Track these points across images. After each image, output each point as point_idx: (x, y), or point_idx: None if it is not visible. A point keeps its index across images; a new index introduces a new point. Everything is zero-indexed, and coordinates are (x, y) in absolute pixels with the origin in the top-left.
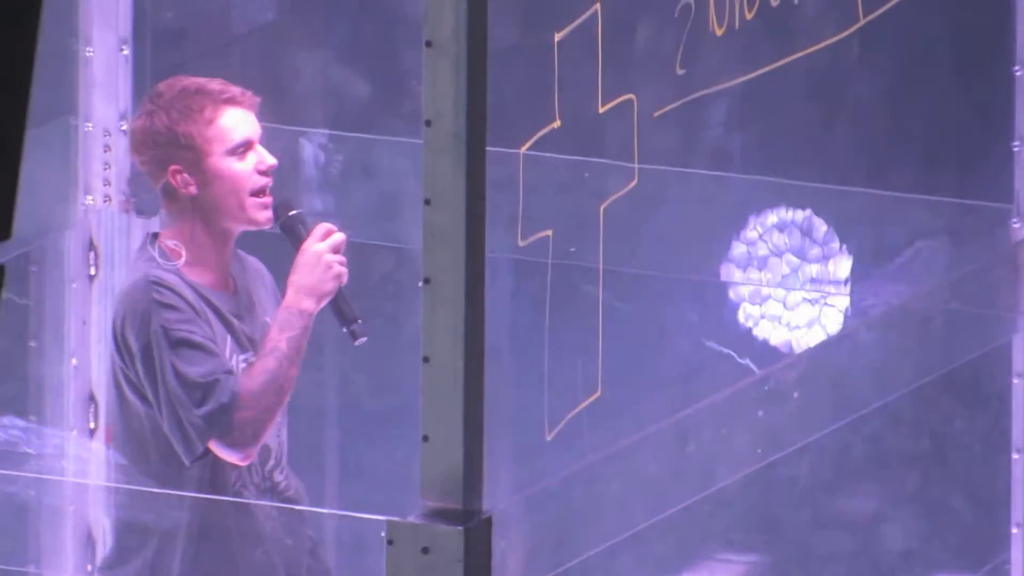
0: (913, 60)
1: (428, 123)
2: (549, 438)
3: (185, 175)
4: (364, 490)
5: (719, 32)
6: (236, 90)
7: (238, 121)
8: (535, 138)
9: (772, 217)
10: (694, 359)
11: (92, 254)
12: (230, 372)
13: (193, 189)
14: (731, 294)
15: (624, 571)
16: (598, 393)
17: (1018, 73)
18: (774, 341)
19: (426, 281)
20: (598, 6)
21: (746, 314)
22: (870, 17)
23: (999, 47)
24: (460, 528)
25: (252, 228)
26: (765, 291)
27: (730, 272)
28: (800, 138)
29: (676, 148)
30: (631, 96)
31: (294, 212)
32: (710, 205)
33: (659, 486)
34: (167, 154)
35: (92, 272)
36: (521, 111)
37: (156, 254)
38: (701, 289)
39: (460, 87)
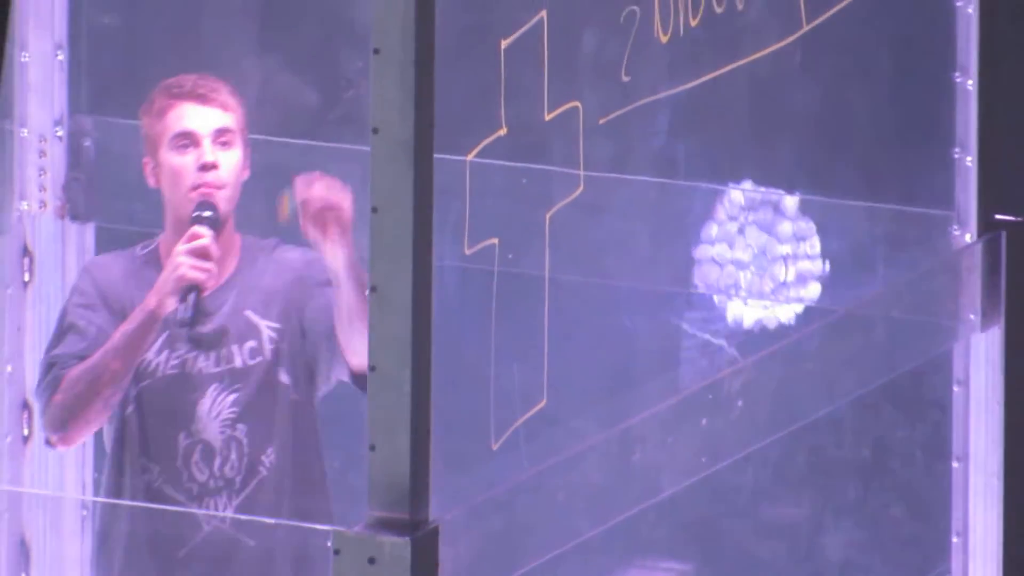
0: (855, 66)
1: (375, 130)
2: (495, 447)
3: (149, 168)
4: (306, 499)
5: (664, 39)
6: (198, 85)
7: (185, 115)
8: (481, 146)
9: (740, 196)
10: (639, 367)
11: (27, 260)
12: (76, 357)
13: (152, 181)
14: (697, 280)
15: None
16: (543, 402)
17: (958, 80)
18: (747, 323)
19: (373, 290)
20: (544, 13)
21: (719, 298)
22: (813, 23)
23: (940, 54)
24: (407, 538)
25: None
26: (735, 272)
27: (703, 252)
28: (743, 145)
29: (621, 155)
30: (576, 103)
31: (196, 213)
32: (654, 212)
33: (604, 495)
34: (143, 147)
35: (27, 278)
36: (467, 118)
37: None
38: (646, 296)
39: (407, 95)
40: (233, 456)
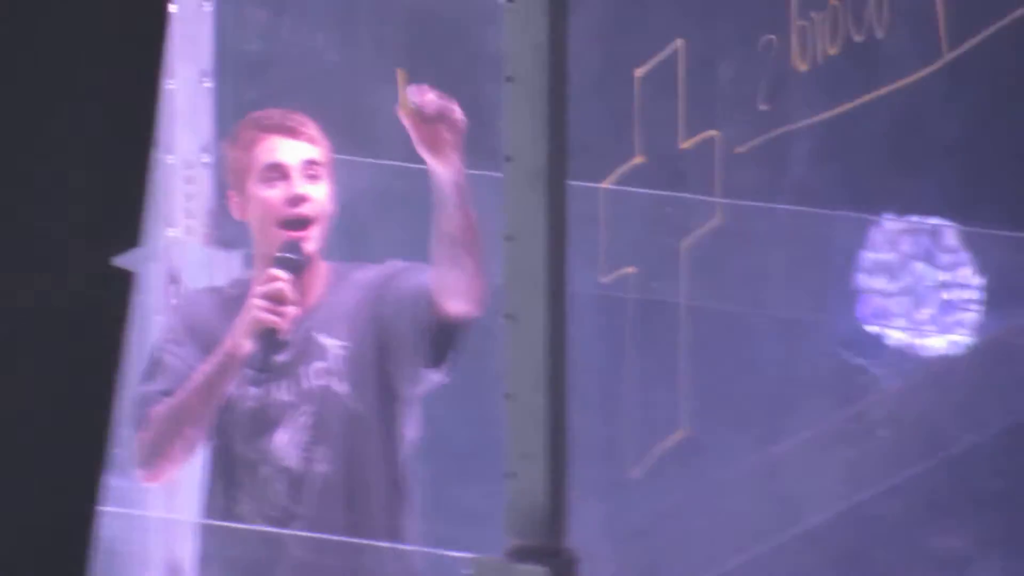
0: (998, 95)
1: (509, 159)
2: (635, 475)
3: (235, 200)
4: (449, 527)
5: (802, 68)
6: (286, 117)
7: (274, 147)
8: (617, 174)
9: (900, 225)
10: (783, 395)
11: (174, 287)
12: (163, 394)
13: (238, 214)
14: (861, 308)
15: None
16: (682, 431)
17: None
18: (900, 345)
19: (509, 317)
20: (679, 42)
21: (875, 326)
22: (955, 53)
23: None
24: (545, 567)
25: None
26: (894, 300)
27: (861, 281)
28: (885, 174)
29: (760, 184)
30: (713, 132)
31: (279, 255)
32: (793, 240)
33: (746, 524)
34: (227, 180)
35: (174, 304)
36: (603, 147)
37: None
38: (786, 325)
39: (541, 123)
40: (315, 479)
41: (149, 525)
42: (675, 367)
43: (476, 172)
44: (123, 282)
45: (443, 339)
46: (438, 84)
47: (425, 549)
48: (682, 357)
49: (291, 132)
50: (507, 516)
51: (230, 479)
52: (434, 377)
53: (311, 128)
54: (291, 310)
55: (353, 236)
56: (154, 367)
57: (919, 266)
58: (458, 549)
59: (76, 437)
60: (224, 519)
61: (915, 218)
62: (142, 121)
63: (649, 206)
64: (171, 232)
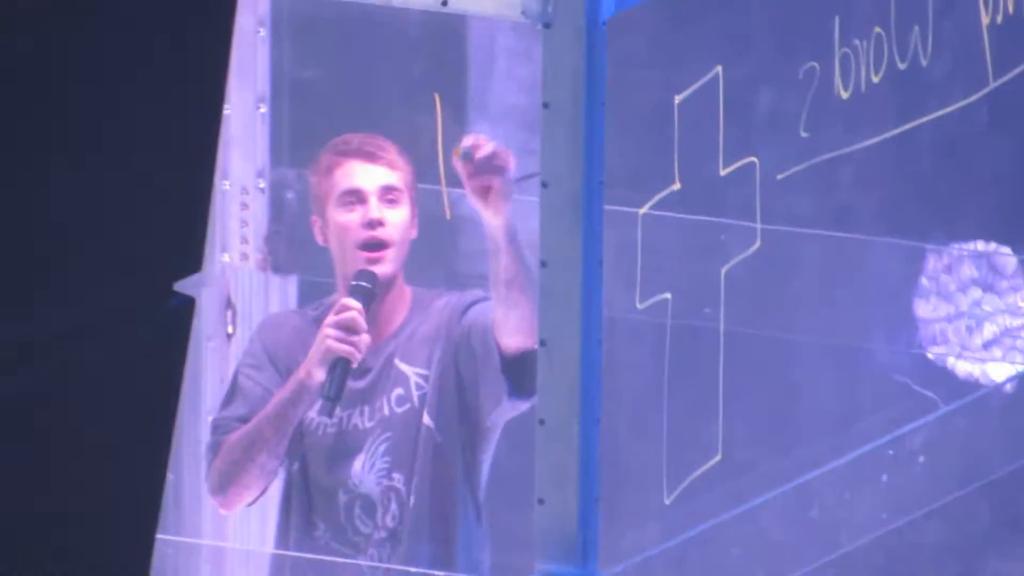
0: None
1: (545, 185)
2: (667, 502)
3: (317, 225)
4: (499, 554)
5: (844, 95)
6: (365, 142)
7: (351, 172)
8: (655, 200)
9: (955, 249)
10: (819, 420)
11: (229, 312)
12: (239, 420)
13: (321, 239)
14: (922, 332)
15: None
16: (718, 457)
17: None
18: (960, 373)
19: (542, 344)
20: (719, 68)
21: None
22: (1001, 80)
23: None
24: None
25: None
26: (948, 326)
27: (916, 306)
28: (929, 201)
29: (801, 211)
30: (753, 158)
31: (353, 283)
32: (832, 266)
33: (781, 551)
34: (312, 206)
35: (229, 330)
36: (640, 173)
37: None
38: (826, 351)
39: (577, 150)
40: (393, 506)
41: (223, 556)
42: (712, 393)
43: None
44: (184, 308)
45: (515, 371)
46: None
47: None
48: (721, 382)
49: (369, 157)
50: (538, 541)
51: (308, 506)
52: (520, 406)
53: (391, 152)
54: (364, 339)
55: (435, 261)
56: (232, 392)
57: (974, 292)
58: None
59: (133, 465)
60: (301, 548)
61: (969, 244)
62: (204, 147)
63: (688, 232)
64: (226, 257)
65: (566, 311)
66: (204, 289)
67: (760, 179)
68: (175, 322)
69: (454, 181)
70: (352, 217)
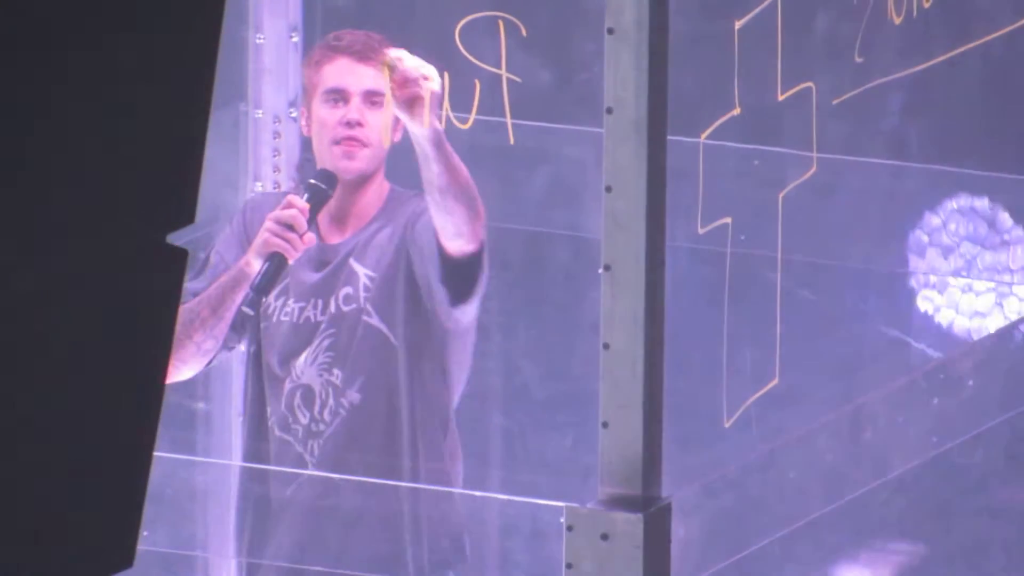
0: None
1: (609, 110)
2: (727, 425)
3: (304, 118)
4: (531, 476)
5: (897, 20)
6: (356, 41)
7: (341, 71)
8: (715, 126)
9: (953, 204)
10: (869, 348)
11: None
12: (196, 294)
13: (306, 130)
14: (912, 282)
15: (800, 558)
16: (775, 380)
17: None
18: (955, 329)
19: (606, 268)
20: None
21: (924, 300)
22: None
23: None
24: (640, 515)
25: (344, 176)
26: (945, 279)
27: (909, 259)
28: (977, 127)
29: (853, 136)
30: (810, 84)
31: (311, 181)
32: (887, 194)
33: (835, 474)
34: (301, 98)
35: (240, 206)
36: (701, 99)
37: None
38: (877, 278)
39: (641, 75)
40: (331, 401)
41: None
42: (770, 319)
43: (573, 127)
44: (176, 260)
45: (455, 277)
46: (532, 38)
47: (521, 499)
48: (777, 308)
49: (359, 56)
50: (601, 465)
51: (260, 391)
52: (459, 315)
53: (383, 54)
54: (308, 237)
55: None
56: (203, 266)
57: (1003, 218)
58: (539, 497)
59: (123, 417)
60: (256, 428)
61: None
62: (197, 96)
63: (746, 158)
64: (259, 186)
65: (630, 235)
66: (236, 216)
67: (816, 105)
68: (167, 273)
69: (519, 112)
70: (333, 114)
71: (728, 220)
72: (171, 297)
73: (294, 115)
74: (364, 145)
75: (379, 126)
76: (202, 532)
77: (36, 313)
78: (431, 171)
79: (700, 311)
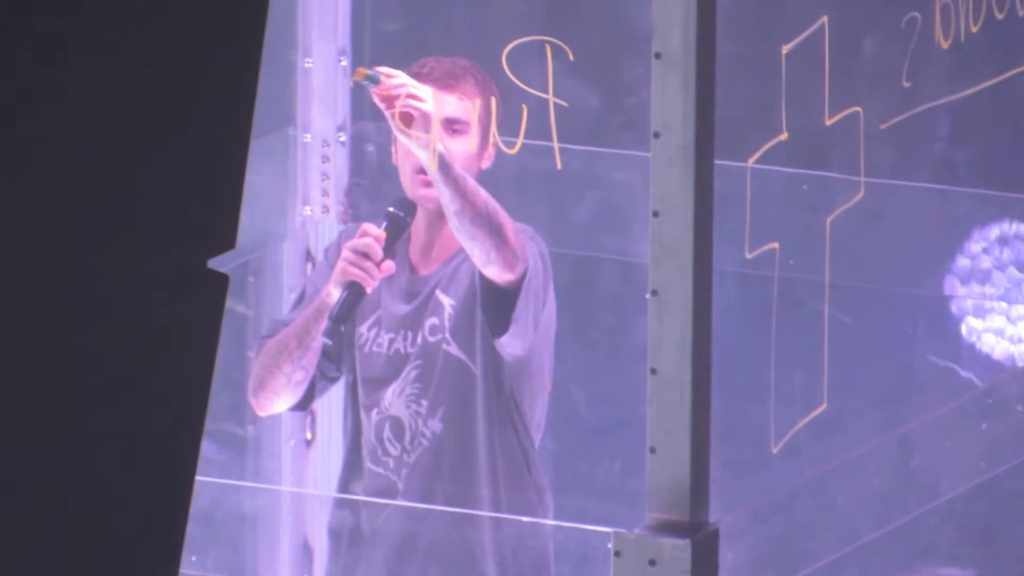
0: None
1: (657, 135)
2: (775, 451)
3: (396, 146)
4: (579, 501)
5: (945, 45)
6: (437, 69)
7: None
8: (762, 150)
9: (996, 231)
10: (917, 373)
11: (310, 265)
12: (285, 325)
13: (394, 158)
14: (953, 308)
15: None
16: (823, 406)
17: None
18: (997, 354)
19: (654, 293)
20: (825, 19)
21: (969, 328)
22: None
23: None
24: (687, 540)
25: (424, 204)
26: (988, 304)
27: (953, 286)
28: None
29: (901, 161)
30: (858, 108)
31: (389, 209)
32: (933, 219)
33: (883, 499)
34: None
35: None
36: (748, 123)
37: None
38: (924, 303)
39: (689, 99)
40: (421, 431)
41: (302, 502)
42: (818, 343)
43: (621, 151)
44: (217, 285)
45: (490, 306)
46: (583, 62)
47: (569, 524)
48: (824, 333)
49: (443, 84)
50: (649, 490)
51: (358, 417)
52: (505, 346)
53: (465, 83)
54: (387, 265)
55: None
56: (300, 298)
57: None
58: (587, 523)
59: (168, 442)
60: (353, 458)
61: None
62: (238, 122)
63: (794, 183)
64: (307, 210)
65: (678, 261)
66: (284, 242)
67: (864, 129)
68: (208, 300)
69: (566, 136)
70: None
71: (776, 245)
72: (211, 322)
73: (343, 139)
74: None
75: (461, 154)
76: (252, 558)
77: (73, 340)
78: (443, 196)
79: (748, 336)
